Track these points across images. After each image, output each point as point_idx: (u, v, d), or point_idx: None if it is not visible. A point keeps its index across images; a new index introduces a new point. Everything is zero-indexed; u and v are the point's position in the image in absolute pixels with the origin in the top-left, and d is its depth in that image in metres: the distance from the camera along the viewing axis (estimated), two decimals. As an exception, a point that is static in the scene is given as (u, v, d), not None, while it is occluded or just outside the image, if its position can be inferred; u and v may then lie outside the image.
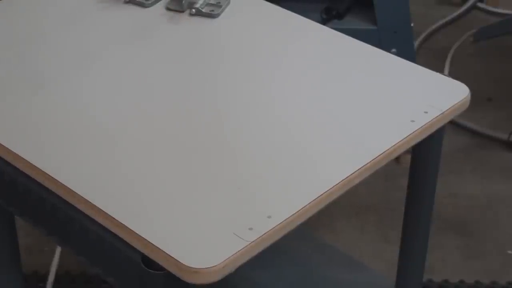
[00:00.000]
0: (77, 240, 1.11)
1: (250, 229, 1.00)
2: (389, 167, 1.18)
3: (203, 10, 1.43)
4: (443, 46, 3.03)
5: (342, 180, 1.08)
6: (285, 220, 1.02)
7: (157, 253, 0.97)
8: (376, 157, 1.12)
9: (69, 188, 1.06)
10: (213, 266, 0.95)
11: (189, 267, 0.95)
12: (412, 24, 2.27)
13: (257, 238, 0.99)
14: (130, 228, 1.00)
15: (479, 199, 2.37)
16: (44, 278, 2.05)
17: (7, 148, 1.12)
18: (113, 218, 1.01)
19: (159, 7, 1.45)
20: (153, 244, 0.97)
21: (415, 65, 1.34)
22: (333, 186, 1.07)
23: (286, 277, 1.60)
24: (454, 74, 1.21)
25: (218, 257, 0.95)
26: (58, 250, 2.09)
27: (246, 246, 0.98)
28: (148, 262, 0.99)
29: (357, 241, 2.21)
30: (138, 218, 1.00)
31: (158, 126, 1.18)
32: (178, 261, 0.95)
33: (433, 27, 3.13)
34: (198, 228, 1.00)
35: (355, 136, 1.17)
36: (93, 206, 1.03)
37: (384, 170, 1.15)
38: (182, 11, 1.44)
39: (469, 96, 1.26)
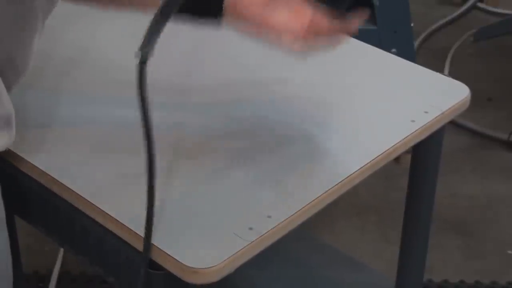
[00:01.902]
0: (77, 240, 1.11)
1: (250, 229, 1.00)
2: (389, 167, 1.18)
3: (203, 10, 1.43)
4: (443, 46, 3.03)
5: (342, 180, 1.08)
6: (285, 220, 1.02)
7: (157, 253, 0.97)
8: (376, 157, 1.12)
9: (69, 188, 1.06)
10: (213, 266, 0.95)
11: (189, 267, 0.95)
12: (412, 24, 2.27)
13: (257, 238, 0.99)
14: (131, 228, 1.00)
15: (479, 199, 2.37)
16: (45, 278, 2.05)
17: (7, 148, 1.12)
18: (114, 218, 1.01)
19: (159, 7, 1.45)
20: (153, 244, 0.97)
21: (415, 65, 1.34)
22: (333, 187, 1.07)
23: (286, 277, 1.60)
24: (454, 74, 1.21)
25: (218, 257, 0.95)
26: (61, 250, 2.09)
27: (246, 246, 0.98)
28: (149, 262, 0.99)
29: (358, 241, 2.21)
30: (138, 218, 1.00)
31: (159, 126, 1.18)
32: (178, 261, 0.95)
33: (433, 27, 3.13)
34: (198, 228, 1.00)
35: (355, 136, 1.17)
36: (94, 206, 1.03)
37: (384, 170, 1.15)
38: (182, 11, 1.43)
39: (469, 96, 1.26)
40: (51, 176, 1.08)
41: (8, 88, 1.02)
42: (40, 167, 1.09)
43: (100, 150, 1.13)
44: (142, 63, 0.89)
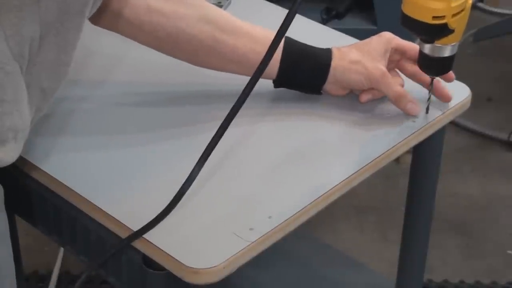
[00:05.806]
0: (77, 240, 1.11)
1: (251, 229, 1.00)
2: (389, 167, 1.18)
3: (204, 10, 1.43)
4: (443, 46, 3.03)
5: (343, 180, 1.08)
6: (285, 220, 1.02)
7: (158, 253, 0.97)
8: (377, 158, 1.12)
9: (69, 188, 1.06)
10: (213, 267, 0.95)
11: (190, 267, 0.95)
12: (412, 24, 2.26)
13: (258, 239, 0.99)
14: (131, 228, 1.00)
15: (479, 199, 2.37)
16: (44, 278, 2.05)
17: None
18: (114, 218, 1.01)
19: (159, 7, 1.45)
20: (154, 244, 0.97)
21: (415, 65, 1.33)
22: (334, 187, 1.07)
23: (286, 277, 1.60)
24: (454, 74, 1.21)
25: (218, 258, 0.95)
26: (61, 250, 2.09)
27: (247, 246, 0.98)
28: (149, 262, 0.99)
29: (357, 241, 2.21)
30: (139, 219, 1.00)
31: (159, 126, 1.18)
32: (178, 261, 0.95)
33: (433, 27, 3.12)
34: (199, 228, 1.00)
35: (356, 136, 1.17)
36: (94, 206, 1.03)
37: (384, 170, 1.15)
38: (183, 11, 1.43)
39: (470, 96, 1.26)
40: (50, 175, 1.08)
41: (39, 110, 0.99)
42: (39, 166, 1.09)
43: (100, 149, 1.13)
44: None
